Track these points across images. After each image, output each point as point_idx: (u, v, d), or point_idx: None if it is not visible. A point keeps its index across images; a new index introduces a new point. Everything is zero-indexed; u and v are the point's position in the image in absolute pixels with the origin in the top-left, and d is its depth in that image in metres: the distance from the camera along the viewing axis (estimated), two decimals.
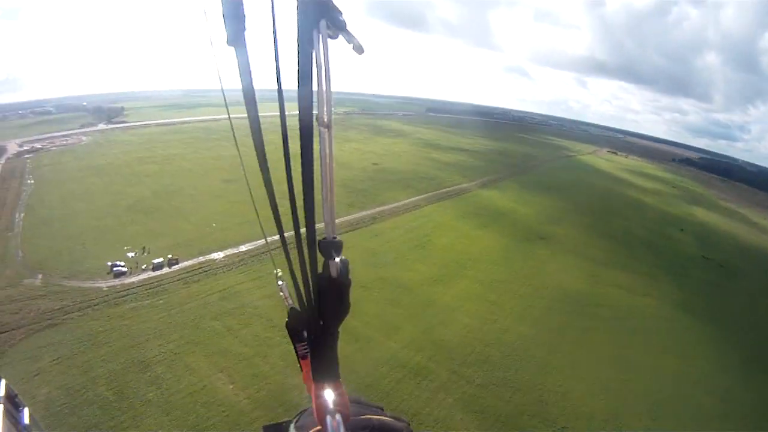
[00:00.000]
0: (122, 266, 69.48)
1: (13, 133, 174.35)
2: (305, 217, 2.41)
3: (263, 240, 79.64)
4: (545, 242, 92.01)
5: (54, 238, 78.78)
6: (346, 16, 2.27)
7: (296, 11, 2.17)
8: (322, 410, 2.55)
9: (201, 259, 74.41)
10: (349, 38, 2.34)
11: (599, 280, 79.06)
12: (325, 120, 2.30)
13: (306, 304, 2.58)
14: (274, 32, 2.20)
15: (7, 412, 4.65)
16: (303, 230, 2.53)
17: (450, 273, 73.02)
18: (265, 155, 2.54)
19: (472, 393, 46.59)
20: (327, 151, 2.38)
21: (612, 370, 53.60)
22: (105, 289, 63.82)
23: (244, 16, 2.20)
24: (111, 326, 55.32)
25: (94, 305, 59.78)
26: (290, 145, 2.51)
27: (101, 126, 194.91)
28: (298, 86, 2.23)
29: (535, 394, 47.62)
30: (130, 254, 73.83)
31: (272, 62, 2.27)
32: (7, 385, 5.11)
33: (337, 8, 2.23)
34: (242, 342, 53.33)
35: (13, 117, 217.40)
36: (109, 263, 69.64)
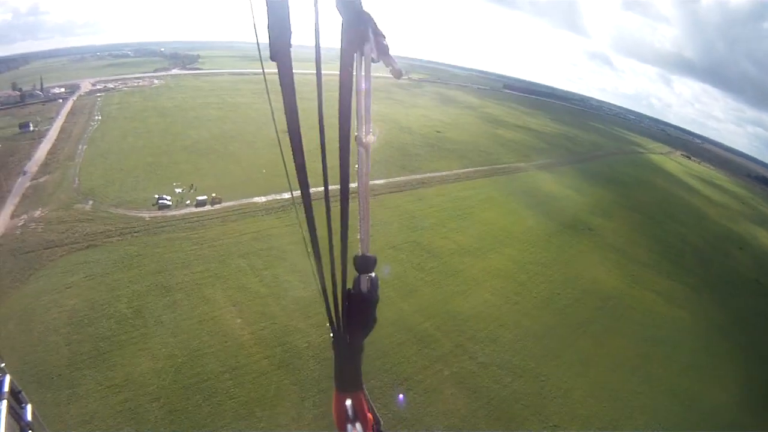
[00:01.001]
0: (167, 200, 74.79)
1: (89, 73, 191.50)
2: (341, 232, 2.50)
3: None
4: (590, 233, 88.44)
5: (110, 169, 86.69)
6: (389, 41, 2.43)
7: (341, 32, 2.31)
8: (342, 419, 2.82)
9: (243, 201, 77.66)
10: (390, 62, 2.53)
11: (637, 281, 74.00)
12: (364, 140, 2.50)
13: (334, 316, 2.71)
14: (317, 50, 2.38)
15: (10, 408, 4.94)
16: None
17: (485, 247, 71.75)
18: (306, 174, 2.62)
19: (470, 370, 45.46)
20: (364, 170, 2.51)
21: (624, 377, 48.67)
22: (147, 219, 69.11)
23: (290, 31, 2.29)
24: (145, 252, 59.91)
25: (134, 232, 65.07)
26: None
27: (175, 71, 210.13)
28: (340, 105, 2.41)
29: (536, 385, 45.34)
30: (178, 190, 79.17)
31: (315, 78, 2.45)
32: (11, 381, 5.29)
33: (381, 33, 2.39)
34: (261, 281, 55.25)
35: (91, 58, 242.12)
36: (156, 196, 75.29)
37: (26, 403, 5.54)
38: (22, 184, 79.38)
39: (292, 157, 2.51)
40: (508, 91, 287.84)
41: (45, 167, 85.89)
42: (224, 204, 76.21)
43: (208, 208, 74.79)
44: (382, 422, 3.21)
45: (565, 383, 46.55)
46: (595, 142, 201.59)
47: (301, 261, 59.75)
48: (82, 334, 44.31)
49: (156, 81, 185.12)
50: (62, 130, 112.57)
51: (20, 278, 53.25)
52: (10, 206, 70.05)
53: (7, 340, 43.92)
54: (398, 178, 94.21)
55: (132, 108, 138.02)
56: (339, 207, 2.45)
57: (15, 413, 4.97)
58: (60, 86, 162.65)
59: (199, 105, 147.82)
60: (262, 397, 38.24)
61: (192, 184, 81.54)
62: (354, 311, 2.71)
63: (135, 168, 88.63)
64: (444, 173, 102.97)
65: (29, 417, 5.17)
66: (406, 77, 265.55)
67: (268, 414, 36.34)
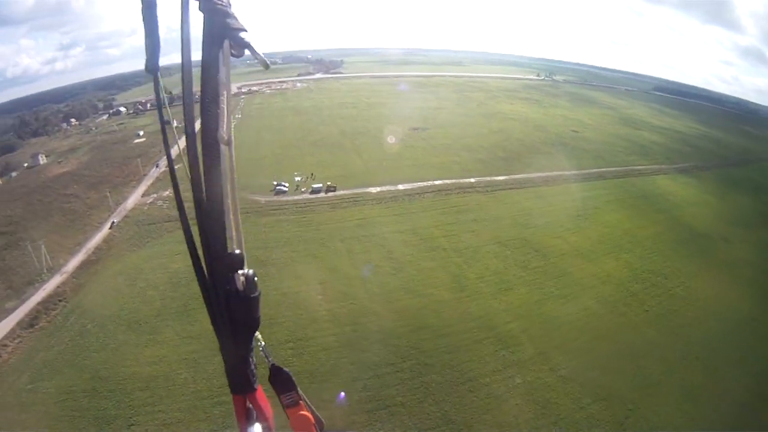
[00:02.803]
0: (284, 186, 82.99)
1: (237, 79, 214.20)
2: (203, 230, 2.67)
3: (422, 182, 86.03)
4: (726, 244, 73.11)
5: (239, 159, 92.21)
6: (250, 35, 2.56)
7: (202, 33, 2.48)
8: (241, 420, 3.02)
9: (357, 190, 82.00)
10: (255, 54, 2.66)
11: None
12: (225, 137, 2.59)
13: (214, 317, 2.80)
14: (184, 52, 2.45)
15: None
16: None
17: (600, 250, 64.94)
18: (175, 177, 2.85)
19: (547, 382, 40.51)
20: (228, 166, 2.65)
21: (739, 422, 38.56)
22: (263, 202, 77.42)
23: (159, 45, 2.55)
24: (251, 230, 66.66)
25: (248, 213, 72.92)
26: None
27: (318, 75, 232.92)
28: (202, 103, 2.53)
29: (620, 412, 38.21)
30: (297, 178, 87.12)
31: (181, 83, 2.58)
32: None
33: (241, 27, 2.53)
34: (354, 264, 57.54)
35: (240, 65, 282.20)
36: (275, 183, 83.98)
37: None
38: (158, 170, 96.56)
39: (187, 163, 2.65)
40: (659, 93, 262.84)
41: (181, 156, 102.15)
42: (338, 192, 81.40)
43: (321, 195, 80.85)
44: (324, 423, 3.32)
45: (658, 416, 38.23)
46: (746, 147, 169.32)
47: (398, 248, 61.05)
48: (177, 293, 52.08)
49: (299, 84, 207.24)
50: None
51: (138, 244, 64.30)
52: (143, 186, 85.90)
53: (114, 290, 54.59)
54: (520, 175, 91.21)
55: (271, 108, 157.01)
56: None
57: None
58: None
59: (335, 105, 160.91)
60: (316, 371, 39.66)
61: (311, 173, 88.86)
62: (232, 310, 2.72)
63: (263, 158, 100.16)
64: (572, 172, 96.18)
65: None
66: (549, 79, 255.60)
67: (315, 388, 36.99)
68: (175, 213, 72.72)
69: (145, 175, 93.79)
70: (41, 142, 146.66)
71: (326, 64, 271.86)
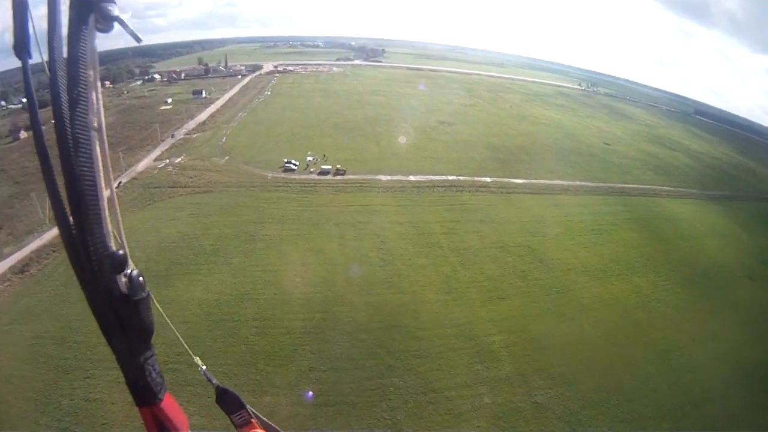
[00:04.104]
0: (294, 165, 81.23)
1: (275, 58, 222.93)
2: (77, 229, 2.36)
3: (434, 176, 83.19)
4: (751, 283, 64.49)
5: (257, 134, 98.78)
6: (118, 7, 2.31)
7: (68, 9, 2.24)
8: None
9: (366, 176, 79.60)
10: (125, 28, 2.40)
11: None
12: (95, 124, 2.35)
13: (101, 324, 2.54)
14: (51, 35, 2.28)
15: None
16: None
17: (611, 270, 59.16)
18: (51, 167, 2.43)
19: (518, 407, 36.36)
20: (99, 155, 2.37)
21: None
22: (269, 177, 76.05)
23: (29, 26, 2.34)
24: (250, 204, 65.76)
25: (251, 186, 72.11)
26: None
27: (356, 62, 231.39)
28: (69, 87, 2.28)
29: None
30: (310, 158, 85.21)
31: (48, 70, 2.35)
32: None
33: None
34: (342, 250, 55.30)
35: (282, 46, 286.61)
36: (285, 160, 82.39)
37: None
38: (174, 139, 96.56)
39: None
40: (699, 117, 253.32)
41: (202, 126, 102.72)
42: (347, 176, 79.21)
43: (329, 177, 78.74)
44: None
45: None
46: None
47: (393, 240, 58.47)
48: (162, 257, 51.36)
49: (335, 69, 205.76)
50: (231, 99, 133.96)
51: (139, 206, 63.67)
52: (158, 151, 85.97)
53: None
54: (540, 181, 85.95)
55: (302, 88, 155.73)
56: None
57: None
58: (242, 65, 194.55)
59: (366, 91, 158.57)
60: (274, 353, 37.71)
61: (324, 155, 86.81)
62: (121, 315, 2.47)
63: (280, 135, 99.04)
64: (596, 184, 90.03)
65: None
66: (592, 89, 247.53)
67: (269, 371, 35.53)
68: (180, 179, 72.77)
69: (162, 140, 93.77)
70: None
71: (367, 51, 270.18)
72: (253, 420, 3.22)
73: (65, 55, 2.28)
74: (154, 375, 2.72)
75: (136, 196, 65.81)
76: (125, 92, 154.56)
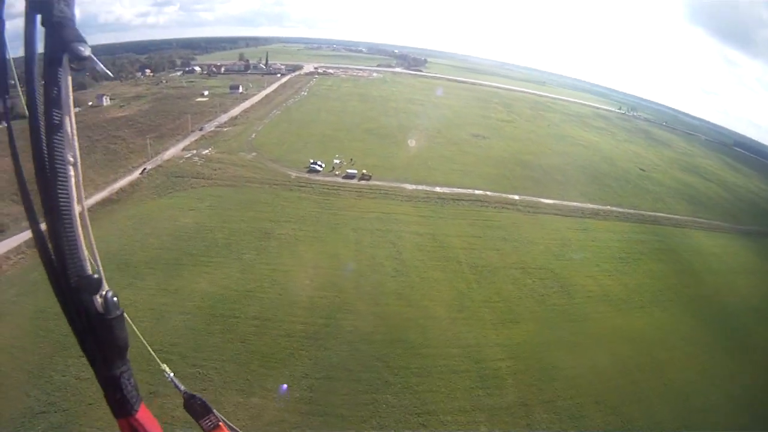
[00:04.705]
0: (319, 166, 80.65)
1: (317, 60, 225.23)
2: (56, 256, 2.53)
3: (461, 189, 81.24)
4: None
5: (287, 133, 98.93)
6: (88, 47, 2.40)
7: (44, 49, 2.35)
8: None
9: (391, 184, 78.31)
10: (95, 66, 2.53)
11: None
12: (71, 159, 2.45)
13: (79, 341, 2.73)
14: (28, 76, 2.37)
15: None
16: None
17: (634, 300, 55.59)
18: (31, 202, 2.55)
19: None
20: (74, 188, 2.50)
21: None
22: (292, 177, 75.63)
23: (7, 68, 2.44)
24: (271, 201, 65.39)
25: (274, 184, 71.82)
26: None
27: (397, 69, 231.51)
28: (46, 125, 2.36)
29: None
30: (336, 161, 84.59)
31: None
32: None
33: (79, 38, 2.37)
34: (356, 256, 53.94)
35: (326, 48, 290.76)
36: (311, 161, 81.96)
37: None
38: (205, 131, 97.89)
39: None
40: (738, 149, 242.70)
41: (234, 120, 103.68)
42: (371, 182, 78.05)
43: (353, 181, 77.77)
44: None
45: None
46: None
47: (410, 251, 56.83)
48: (175, 246, 51.51)
49: (375, 74, 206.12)
50: (267, 96, 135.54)
51: (160, 193, 64.27)
52: (187, 141, 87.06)
53: (120, 231, 54.83)
54: (570, 203, 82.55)
55: (339, 91, 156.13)
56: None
57: None
58: (283, 64, 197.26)
59: (403, 98, 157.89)
60: (270, 355, 36.62)
61: (351, 159, 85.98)
62: (97, 332, 2.64)
63: (311, 136, 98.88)
64: (626, 210, 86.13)
65: None
66: (632, 113, 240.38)
67: (262, 372, 34.52)
68: (205, 171, 73.14)
69: (192, 131, 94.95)
70: (112, 85, 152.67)
71: (409, 60, 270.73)
72: (221, 423, 3.26)
73: (42, 94, 2.32)
74: (129, 388, 2.81)
75: (158, 184, 66.50)
76: (164, 81, 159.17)
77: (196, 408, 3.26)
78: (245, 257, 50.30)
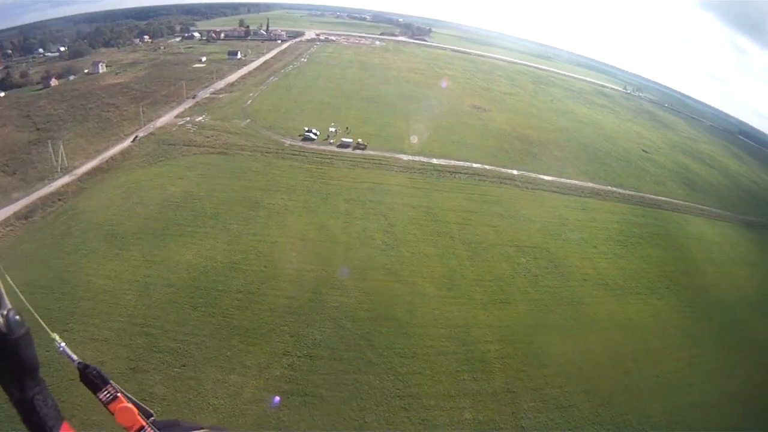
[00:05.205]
0: (314, 134, 78.55)
1: (319, 27, 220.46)
2: None
3: (459, 161, 79.14)
4: None
5: (284, 99, 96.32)
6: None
7: None
8: None
9: (387, 154, 76.26)
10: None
11: None
12: None
13: None
14: None
15: None
16: None
17: (630, 286, 53.87)
18: None
19: (497, 427, 33.05)
20: None
21: None
22: (286, 145, 73.62)
23: None
24: (262, 170, 63.74)
25: (266, 152, 69.91)
26: None
27: (401, 38, 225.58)
28: None
29: None
30: (332, 129, 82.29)
31: None
32: None
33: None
34: (346, 228, 52.65)
35: (329, 15, 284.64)
36: (306, 128, 79.73)
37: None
38: (199, 97, 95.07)
39: None
40: (743, 138, 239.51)
41: (230, 86, 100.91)
42: (366, 151, 76.08)
43: (348, 150, 75.76)
44: (151, 411, 3.15)
45: None
46: None
47: (402, 224, 55.35)
48: (162, 215, 50.23)
49: (378, 42, 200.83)
50: (265, 62, 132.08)
51: (151, 162, 62.62)
52: (181, 108, 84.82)
53: (108, 201, 53.91)
54: (570, 181, 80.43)
55: (340, 58, 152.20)
56: None
57: None
58: (284, 30, 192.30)
59: (405, 68, 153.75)
60: (252, 331, 35.58)
61: (347, 127, 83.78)
62: (2, 353, 2.58)
63: (307, 103, 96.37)
64: (627, 192, 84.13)
65: None
66: (637, 93, 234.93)
67: (242, 348, 33.54)
68: (197, 138, 71.36)
69: (187, 98, 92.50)
70: (109, 52, 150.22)
71: (413, 29, 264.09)
72: (119, 395, 3.03)
73: None
74: (45, 410, 2.69)
75: (149, 152, 64.86)
76: (162, 47, 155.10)
77: (93, 379, 3.05)
78: (232, 228, 48.91)
